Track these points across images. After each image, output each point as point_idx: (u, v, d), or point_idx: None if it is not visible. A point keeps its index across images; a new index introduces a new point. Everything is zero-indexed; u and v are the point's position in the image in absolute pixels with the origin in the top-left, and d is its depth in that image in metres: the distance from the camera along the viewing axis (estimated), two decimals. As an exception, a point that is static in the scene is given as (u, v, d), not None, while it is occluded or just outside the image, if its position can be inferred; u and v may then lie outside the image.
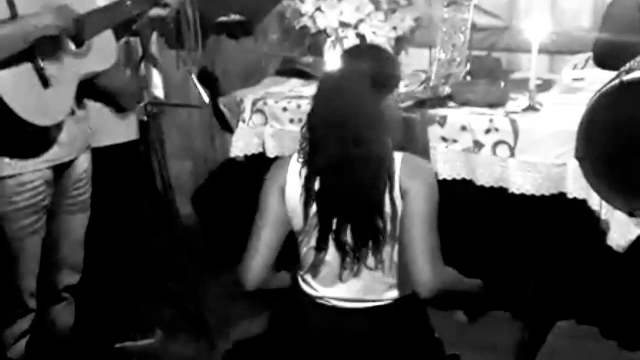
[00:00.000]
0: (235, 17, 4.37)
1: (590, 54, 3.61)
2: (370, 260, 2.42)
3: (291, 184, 2.46)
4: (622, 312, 3.39)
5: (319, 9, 3.83)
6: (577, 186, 2.99)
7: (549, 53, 3.82)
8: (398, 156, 2.42)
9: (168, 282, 4.15)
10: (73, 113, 2.78)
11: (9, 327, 2.86)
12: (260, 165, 3.63)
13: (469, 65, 3.54)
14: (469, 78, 3.54)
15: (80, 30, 2.67)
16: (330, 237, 2.42)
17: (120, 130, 3.45)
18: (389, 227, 2.38)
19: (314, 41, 3.92)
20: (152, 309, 3.98)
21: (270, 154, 3.56)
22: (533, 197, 3.09)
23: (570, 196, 3.02)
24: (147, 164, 3.89)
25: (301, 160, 2.45)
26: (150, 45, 3.51)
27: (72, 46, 2.70)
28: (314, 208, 2.42)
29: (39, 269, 2.85)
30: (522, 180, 3.09)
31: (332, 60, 3.55)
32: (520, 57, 3.92)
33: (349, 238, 2.40)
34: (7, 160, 2.64)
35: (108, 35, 2.85)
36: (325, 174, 2.39)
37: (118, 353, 3.68)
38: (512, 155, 3.10)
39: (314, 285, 2.52)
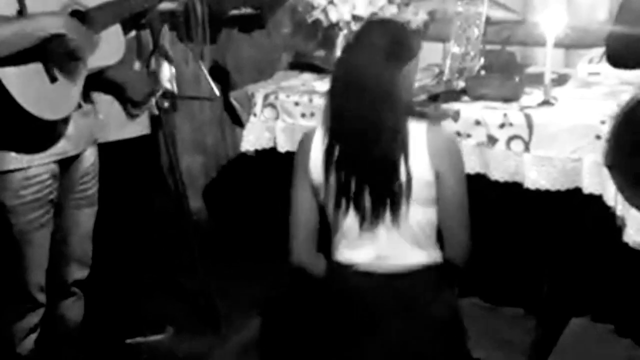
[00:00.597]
0: (247, 11, 4.37)
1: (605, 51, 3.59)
2: (387, 221, 2.53)
3: (315, 152, 2.59)
4: (637, 309, 3.36)
5: (331, 2, 3.80)
6: (592, 181, 2.95)
7: (564, 47, 3.79)
8: (421, 126, 2.52)
9: (178, 277, 4.15)
10: (79, 107, 2.78)
11: (18, 322, 2.86)
12: (271, 160, 3.62)
13: (483, 59, 3.51)
14: (483, 72, 3.50)
15: (88, 25, 2.66)
16: (350, 201, 2.54)
17: (131, 124, 3.43)
18: (404, 190, 2.49)
19: (326, 35, 3.90)
20: (162, 304, 3.98)
21: (281, 148, 3.54)
22: (548, 192, 3.05)
23: (585, 191, 2.98)
24: (158, 158, 3.89)
25: (323, 128, 2.58)
26: (161, 38, 3.50)
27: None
28: (333, 174, 2.55)
29: (48, 264, 2.84)
30: (537, 175, 3.05)
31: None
32: (535, 51, 3.88)
33: (366, 201, 2.52)
34: (13, 153, 2.64)
35: (116, 29, 2.85)
36: (343, 140, 2.53)
37: (128, 348, 3.68)
38: (527, 149, 3.07)
39: (340, 249, 2.64)
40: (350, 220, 2.57)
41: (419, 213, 2.53)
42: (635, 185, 2.42)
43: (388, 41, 2.52)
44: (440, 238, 2.60)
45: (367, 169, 2.51)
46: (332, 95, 2.56)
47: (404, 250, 2.56)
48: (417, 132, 2.50)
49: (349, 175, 2.52)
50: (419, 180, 2.49)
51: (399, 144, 2.47)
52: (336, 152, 2.54)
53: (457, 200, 2.54)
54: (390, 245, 2.56)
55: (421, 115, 2.63)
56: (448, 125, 3.18)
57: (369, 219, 2.54)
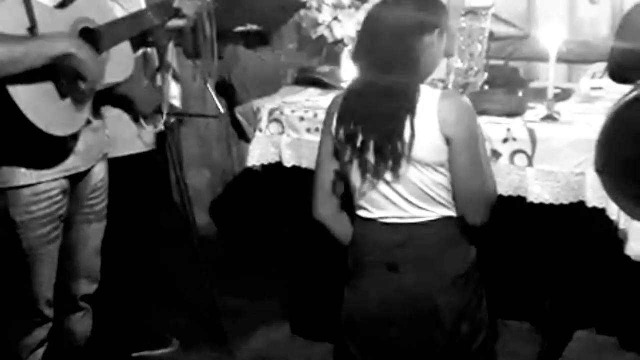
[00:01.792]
0: (252, 27, 4.39)
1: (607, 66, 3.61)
2: (387, 178, 2.62)
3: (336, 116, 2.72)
4: (641, 322, 3.38)
5: (336, 19, 3.83)
6: (596, 195, 2.96)
7: (567, 62, 3.80)
8: (436, 94, 2.60)
9: (185, 291, 4.16)
10: (89, 122, 2.78)
11: (26, 337, 2.86)
12: (277, 175, 3.64)
13: (486, 75, 3.52)
14: (486, 87, 3.52)
15: (97, 43, 2.68)
16: (355, 153, 2.65)
17: (137, 140, 3.45)
18: (406, 150, 2.57)
19: (331, 50, 3.92)
20: (169, 318, 3.99)
21: (287, 163, 3.55)
22: (551, 206, 3.07)
23: (589, 205, 2.99)
24: (165, 174, 3.90)
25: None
26: (167, 55, 3.52)
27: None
28: (343, 127, 2.68)
29: (57, 278, 2.85)
30: (541, 189, 3.07)
31: (349, 70, 3.55)
32: (539, 66, 3.90)
33: (370, 156, 2.61)
34: (23, 169, 2.65)
35: (125, 46, 2.86)
36: (356, 100, 2.66)
37: (135, 362, 3.69)
38: (530, 164, 3.08)
39: (360, 206, 2.73)
40: (355, 175, 2.68)
41: (427, 174, 2.60)
42: (626, 189, 2.43)
43: (414, 7, 2.62)
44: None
45: (374, 124, 2.61)
46: (355, 53, 2.76)
47: (408, 205, 2.64)
48: (430, 97, 2.59)
49: (357, 128, 2.63)
50: (427, 147, 2.57)
51: (406, 105, 2.57)
52: (351, 107, 2.67)
53: (468, 166, 2.59)
54: (393, 200, 2.64)
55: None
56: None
57: (371, 173, 2.63)
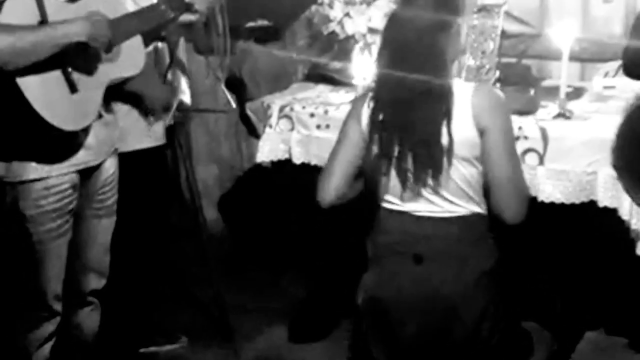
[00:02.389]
0: (263, 23, 4.38)
1: (621, 62, 3.59)
2: (430, 184, 2.61)
3: (365, 116, 2.68)
4: (651, 323, 3.36)
5: (347, 15, 3.82)
6: (607, 194, 2.95)
7: (579, 60, 3.79)
8: (469, 87, 2.61)
9: (193, 288, 4.16)
10: (100, 116, 2.79)
11: (34, 331, 2.86)
12: (286, 171, 3.63)
13: (498, 72, 3.51)
14: (498, 85, 3.51)
15: (110, 36, 2.68)
16: (392, 165, 2.62)
17: (146, 135, 3.44)
18: (445, 153, 2.56)
19: (342, 47, 3.91)
20: (177, 314, 3.99)
21: (297, 159, 3.55)
22: (562, 205, 3.05)
23: (600, 204, 2.98)
24: (174, 169, 3.90)
25: (370, 94, 2.67)
26: (178, 50, 3.51)
27: (101, 52, 2.70)
28: (377, 138, 2.64)
29: (66, 273, 2.85)
30: (552, 189, 3.05)
31: (360, 66, 3.54)
32: (551, 65, 3.88)
33: (409, 165, 2.60)
34: (33, 164, 2.65)
35: (137, 40, 2.86)
36: (388, 108, 2.61)
37: (142, 358, 3.69)
38: (541, 163, 3.06)
39: (386, 207, 2.72)
40: (393, 183, 2.65)
41: (462, 169, 2.59)
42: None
43: (435, 3, 2.58)
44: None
45: (410, 134, 2.58)
46: (379, 60, 2.65)
47: (441, 200, 2.63)
48: (463, 92, 2.57)
49: (392, 139, 2.60)
50: (461, 141, 2.56)
51: (442, 111, 2.55)
52: (380, 117, 2.62)
53: (502, 157, 2.58)
54: (433, 202, 2.63)
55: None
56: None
57: (412, 183, 2.62)
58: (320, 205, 2.78)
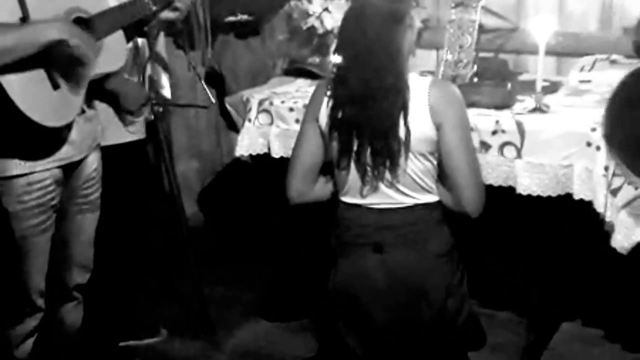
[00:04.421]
0: (242, 17, 4.37)
1: (597, 57, 3.62)
2: (387, 177, 2.68)
3: (323, 114, 2.76)
4: (626, 314, 3.39)
5: (326, 10, 3.83)
6: (583, 188, 2.98)
7: (556, 55, 3.82)
8: (425, 82, 2.66)
9: (173, 281, 4.16)
10: (83, 112, 2.78)
11: (16, 326, 2.86)
12: (265, 165, 3.64)
13: (475, 67, 3.54)
14: (475, 79, 3.53)
15: (90, 32, 2.68)
16: (351, 159, 2.69)
17: (126, 129, 3.44)
18: (402, 147, 2.63)
19: (321, 41, 3.92)
20: (157, 307, 3.99)
21: (275, 154, 3.56)
22: (539, 197, 3.09)
23: (576, 197, 3.01)
24: (154, 163, 3.90)
25: (329, 92, 2.73)
26: (158, 45, 3.51)
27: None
28: (336, 134, 2.71)
29: (50, 268, 2.85)
30: (529, 181, 3.08)
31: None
32: (528, 59, 3.91)
33: (368, 159, 2.67)
34: (16, 160, 2.63)
35: (119, 35, 2.85)
36: (347, 105, 2.67)
37: (122, 351, 3.68)
38: (519, 156, 3.09)
39: (346, 199, 2.80)
40: (352, 177, 2.72)
41: (418, 163, 2.67)
42: (634, 154, 2.48)
43: (387, 2, 2.63)
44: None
45: (368, 128, 2.64)
46: (336, 58, 2.71)
47: (397, 194, 2.71)
48: (419, 87, 2.63)
49: (351, 135, 2.67)
50: (418, 136, 2.62)
51: (399, 105, 2.61)
52: (339, 115, 2.68)
53: (459, 151, 2.64)
54: (391, 196, 2.71)
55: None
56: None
57: (370, 176, 2.69)
58: (290, 203, 2.88)
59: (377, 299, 2.75)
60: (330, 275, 2.87)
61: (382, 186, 2.70)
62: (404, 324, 2.76)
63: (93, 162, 2.92)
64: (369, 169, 2.68)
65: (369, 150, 2.66)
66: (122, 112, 3.32)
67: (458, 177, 2.65)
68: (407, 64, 2.68)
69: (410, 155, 2.64)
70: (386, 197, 2.71)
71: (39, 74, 2.55)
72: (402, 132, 2.61)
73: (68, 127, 2.71)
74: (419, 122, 2.61)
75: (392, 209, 2.72)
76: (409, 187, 2.69)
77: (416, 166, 2.67)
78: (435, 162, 2.70)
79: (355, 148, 2.68)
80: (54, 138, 2.70)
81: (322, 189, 2.90)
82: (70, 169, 2.81)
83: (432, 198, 2.73)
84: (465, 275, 2.85)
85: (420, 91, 2.63)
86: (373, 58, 2.60)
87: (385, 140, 2.62)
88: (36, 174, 2.67)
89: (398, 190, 2.70)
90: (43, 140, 2.66)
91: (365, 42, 2.61)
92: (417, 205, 2.72)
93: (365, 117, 2.63)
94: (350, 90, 2.65)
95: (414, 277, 2.71)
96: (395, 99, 2.60)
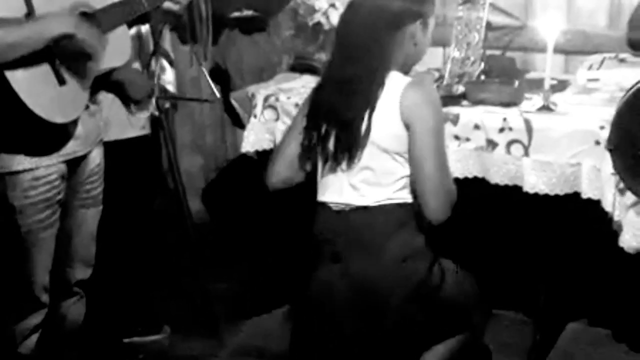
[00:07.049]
0: (248, 13, 4.37)
1: (605, 55, 3.61)
2: (344, 165, 2.68)
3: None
4: (633, 314, 3.38)
5: (332, 6, 3.83)
6: (591, 186, 2.97)
7: (564, 53, 3.80)
8: (404, 81, 2.63)
9: (177, 278, 4.15)
10: (87, 107, 2.78)
11: (20, 322, 2.86)
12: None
13: (483, 64, 3.52)
14: (482, 77, 3.52)
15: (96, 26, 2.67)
16: (317, 145, 2.73)
17: (131, 124, 3.43)
18: (362, 140, 2.63)
19: (327, 38, 3.91)
20: (160, 304, 3.98)
21: (281, 150, 3.54)
22: (546, 196, 3.07)
23: (584, 196, 3.00)
24: (158, 159, 3.89)
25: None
26: (162, 39, 3.50)
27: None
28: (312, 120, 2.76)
29: (52, 264, 2.84)
30: (536, 180, 3.07)
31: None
32: (535, 57, 3.90)
33: (330, 146, 2.69)
34: (22, 155, 2.64)
35: (123, 30, 2.86)
36: (325, 87, 2.73)
37: (125, 347, 3.68)
38: (526, 154, 3.08)
39: (319, 191, 2.80)
40: (318, 162, 2.77)
41: (382, 160, 2.64)
42: (635, 169, 2.45)
43: (386, 3, 2.65)
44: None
45: (334, 116, 2.67)
46: (333, 44, 2.80)
47: (353, 191, 2.69)
48: (396, 85, 2.62)
49: (320, 121, 2.71)
50: (386, 133, 2.61)
51: (364, 96, 2.62)
52: (317, 98, 2.75)
53: (426, 153, 2.59)
54: (343, 186, 2.70)
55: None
56: (447, 128, 3.19)
57: (331, 161, 2.70)
58: (268, 188, 2.90)
59: (341, 310, 2.72)
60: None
61: (340, 178, 2.70)
62: (370, 331, 2.71)
63: (96, 157, 2.92)
64: (330, 154, 2.69)
65: (332, 138, 2.68)
66: (129, 102, 3.31)
67: (423, 183, 2.60)
68: (389, 65, 2.65)
69: (375, 151, 2.62)
70: (348, 193, 2.69)
71: (46, 71, 2.56)
72: (364, 125, 2.62)
73: (74, 122, 2.72)
74: (387, 120, 2.60)
75: (352, 208, 2.69)
76: (367, 183, 2.67)
77: (379, 164, 2.64)
78: (405, 165, 2.65)
79: (322, 133, 2.70)
80: (60, 133, 2.70)
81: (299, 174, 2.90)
82: (74, 164, 2.81)
83: (392, 200, 2.67)
84: (447, 277, 2.75)
85: (395, 89, 2.61)
86: (358, 48, 2.63)
87: (348, 130, 2.63)
88: (42, 169, 2.68)
89: (354, 187, 2.68)
90: (49, 136, 2.67)
91: (354, 29, 2.65)
92: (378, 206, 2.67)
93: (335, 102, 2.66)
94: (329, 73, 2.73)
95: (370, 285, 2.66)
96: (364, 92, 2.61)
